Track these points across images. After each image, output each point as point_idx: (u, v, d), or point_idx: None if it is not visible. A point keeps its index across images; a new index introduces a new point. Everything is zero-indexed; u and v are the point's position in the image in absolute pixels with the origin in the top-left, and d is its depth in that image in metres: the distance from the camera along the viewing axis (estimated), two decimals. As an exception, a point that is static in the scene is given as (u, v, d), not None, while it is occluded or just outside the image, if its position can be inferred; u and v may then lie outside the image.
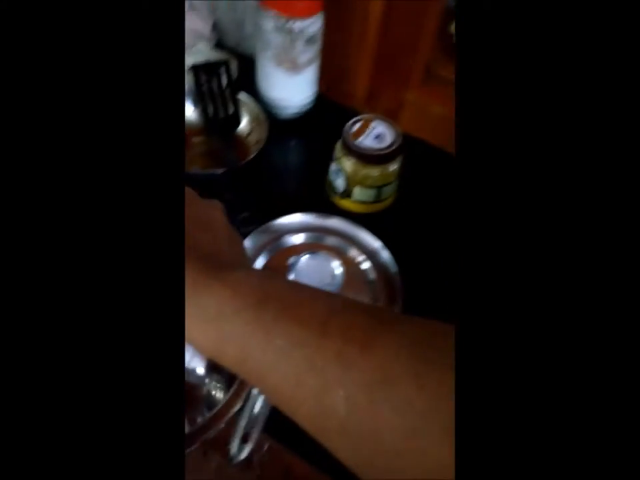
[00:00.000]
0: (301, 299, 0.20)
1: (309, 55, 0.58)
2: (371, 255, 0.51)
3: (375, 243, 0.52)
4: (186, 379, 0.40)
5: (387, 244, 0.52)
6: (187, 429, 0.35)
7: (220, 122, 0.61)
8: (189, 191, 0.27)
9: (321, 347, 0.18)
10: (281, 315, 0.19)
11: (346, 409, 0.17)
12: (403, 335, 0.18)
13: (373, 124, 0.53)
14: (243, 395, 0.38)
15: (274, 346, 0.19)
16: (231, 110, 0.62)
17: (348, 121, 0.60)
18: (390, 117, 0.55)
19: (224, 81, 0.63)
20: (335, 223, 0.53)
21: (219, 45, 0.75)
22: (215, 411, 0.37)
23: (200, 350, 0.21)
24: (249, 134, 0.64)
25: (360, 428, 0.17)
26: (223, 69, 0.64)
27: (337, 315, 0.19)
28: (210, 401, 0.40)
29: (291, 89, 0.62)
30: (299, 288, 0.21)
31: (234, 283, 0.20)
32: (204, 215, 0.26)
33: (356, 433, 0.17)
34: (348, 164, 0.53)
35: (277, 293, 0.20)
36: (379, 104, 0.66)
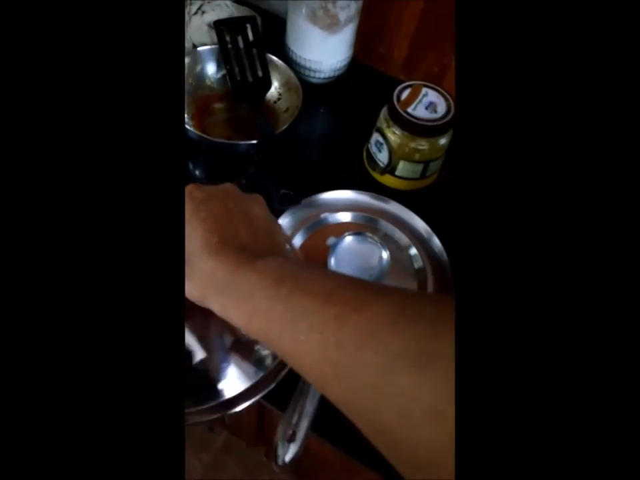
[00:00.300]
0: (312, 277, 0.24)
1: (350, 11, 0.52)
2: (420, 241, 0.47)
3: (424, 228, 0.47)
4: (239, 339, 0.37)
5: (429, 223, 0.48)
6: (239, 389, 0.34)
7: (248, 86, 0.55)
8: (231, 187, 0.31)
9: (324, 312, 0.22)
10: (294, 290, 0.23)
11: (337, 356, 0.21)
12: (391, 300, 0.21)
13: (422, 91, 0.48)
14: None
15: (289, 315, 0.23)
16: (259, 72, 0.56)
17: (385, 86, 0.55)
18: (432, 83, 0.50)
19: (250, 39, 0.57)
20: (381, 203, 0.49)
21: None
22: (265, 372, 0.35)
23: (236, 325, 0.26)
24: (276, 100, 0.58)
25: (347, 369, 0.20)
26: (248, 26, 0.57)
27: (340, 288, 0.23)
28: (260, 364, 0.37)
29: (326, 50, 0.56)
30: (311, 268, 0.26)
31: (260, 269, 0.25)
32: (245, 209, 0.29)
33: (344, 374, 0.21)
34: (394, 136, 0.48)
35: (292, 273, 0.24)
36: (419, 68, 0.60)
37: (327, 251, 0.45)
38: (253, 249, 0.27)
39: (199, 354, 0.34)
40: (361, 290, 0.22)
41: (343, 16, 0.52)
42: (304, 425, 0.37)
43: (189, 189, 0.29)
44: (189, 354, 0.34)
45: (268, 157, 0.51)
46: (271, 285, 0.24)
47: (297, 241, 0.46)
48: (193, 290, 0.27)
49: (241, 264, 0.25)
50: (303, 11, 0.53)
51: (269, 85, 0.56)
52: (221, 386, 0.34)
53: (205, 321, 0.34)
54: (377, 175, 0.53)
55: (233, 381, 0.34)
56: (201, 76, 0.58)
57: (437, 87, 0.48)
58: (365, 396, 0.20)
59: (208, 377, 0.34)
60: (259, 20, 0.59)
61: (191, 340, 0.34)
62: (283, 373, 0.35)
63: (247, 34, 0.57)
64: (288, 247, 0.38)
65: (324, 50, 0.56)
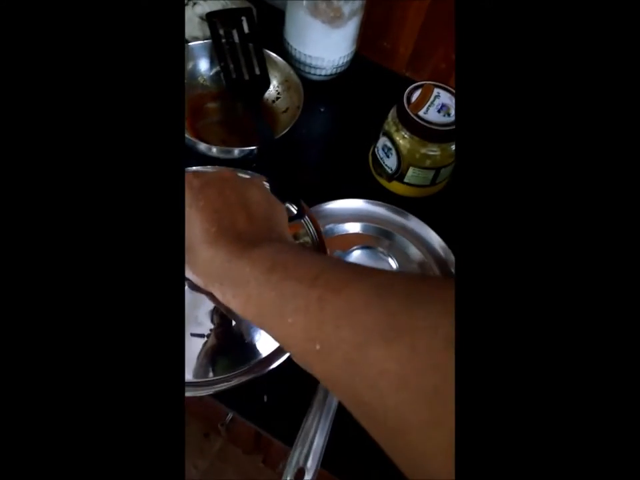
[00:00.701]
0: (301, 262, 0.25)
1: (354, 4, 0.48)
2: (436, 258, 0.43)
3: (439, 243, 0.44)
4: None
5: (440, 232, 0.45)
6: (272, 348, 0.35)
7: (245, 84, 0.51)
8: (229, 173, 0.32)
9: (309, 295, 0.23)
10: (284, 277, 0.24)
11: (319, 335, 0.22)
12: (370, 281, 0.22)
13: (434, 92, 0.45)
14: None
15: (278, 300, 0.24)
16: (257, 69, 0.52)
17: (390, 84, 0.52)
18: (439, 80, 0.47)
19: (246, 32, 0.53)
20: (392, 214, 0.45)
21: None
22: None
23: (236, 312, 0.27)
24: (275, 100, 0.54)
25: (328, 347, 0.21)
26: (244, 19, 0.53)
27: (326, 272, 0.24)
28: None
29: (328, 45, 0.52)
30: (301, 254, 0.26)
31: (254, 257, 0.26)
32: (242, 196, 0.30)
33: (325, 351, 0.22)
34: (403, 140, 0.45)
35: (284, 259, 0.25)
36: (426, 65, 0.57)
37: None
38: (249, 237, 0.28)
39: (232, 322, 0.35)
40: (343, 272, 0.24)
41: (347, 9, 0.48)
42: (313, 462, 0.34)
43: (188, 177, 0.30)
44: (224, 323, 0.35)
45: (266, 161, 0.47)
46: (264, 272, 0.25)
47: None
48: (195, 277, 0.28)
49: (237, 253, 0.26)
50: (304, 3, 0.49)
51: (267, 84, 0.52)
52: (257, 346, 0.35)
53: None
54: (383, 182, 0.49)
55: (266, 342, 0.35)
56: (193, 73, 0.54)
57: (449, 88, 0.45)
58: (343, 371, 0.21)
59: (243, 341, 0.35)
60: (254, 12, 0.55)
61: (220, 311, 0.35)
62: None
63: (242, 27, 0.53)
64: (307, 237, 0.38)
65: (326, 45, 0.52)
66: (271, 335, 0.26)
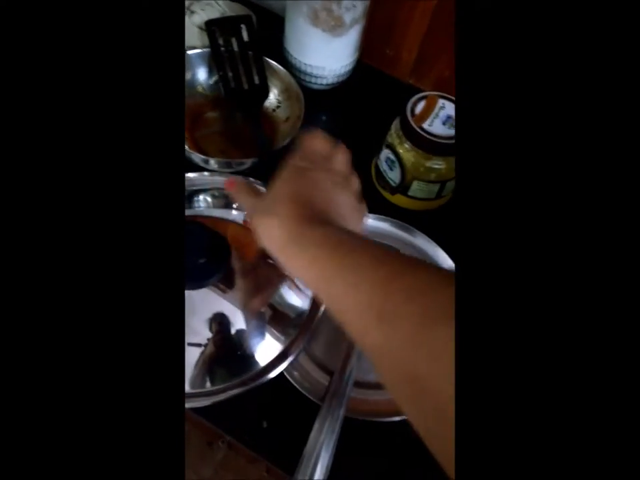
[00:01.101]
0: (366, 248, 0.27)
1: (356, 12, 0.47)
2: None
3: (450, 266, 0.42)
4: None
5: (445, 248, 0.43)
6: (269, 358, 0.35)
7: (244, 94, 0.50)
8: (343, 171, 0.34)
9: (376, 270, 0.24)
10: (351, 252, 0.26)
11: (385, 305, 0.23)
12: (435, 270, 0.24)
13: (439, 103, 0.43)
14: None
15: (344, 267, 0.26)
16: (256, 78, 0.51)
17: (393, 91, 0.50)
18: (443, 88, 0.45)
19: (245, 40, 0.52)
20: (399, 231, 0.44)
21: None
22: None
23: (298, 277, 0.30)
24: (275, 108, 0.53)
25: (392, 317, 0.22)
26: (243, 26, 0.52)
27: (390, 259, 0.25)
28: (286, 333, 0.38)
29: (329, 54, 0.51)
30: (364, 240, 0.28)
31: (329, 231, 0.28)
32: (332, 195, 0.32)
33: (388, 321, 0.22)
34: (407, 153, 0.43)
35: (351, 242, 0.27)
36: (430, 71, 0.55)
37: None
38: (324, 222, 0.30)
39: (230, 329, 0.35)
40: (406, 260, 0.25)
41: (348, 17, 0.47)
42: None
43: (298, 157, 0.33)
44: (222, 330, 0.35)
45: (263, 170, 0.46)
46: (332, 246, 0.27)
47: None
48: (271, 229, 0.30)
49: (314, 221, 0.29)
50: (304, 12, 0.47)
51: (266, 93, 0.51)
52: (256, 355, 0.35)
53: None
54: (387, 194, 0.48)
55: (265, 349, 0.35)
56: (192, 82, 0.52)
57: (454, 98, 0.43)
58: (405, 343, 0.21)
59: (242, 349, 0.35)
60: (254, 19, 0.54)
61: (218, 318, 0.35)
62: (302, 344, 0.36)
63: (241, 35, 0.52)
64: None
65: (327, 54, 0.50)
66: (323, 298, 0.27)
